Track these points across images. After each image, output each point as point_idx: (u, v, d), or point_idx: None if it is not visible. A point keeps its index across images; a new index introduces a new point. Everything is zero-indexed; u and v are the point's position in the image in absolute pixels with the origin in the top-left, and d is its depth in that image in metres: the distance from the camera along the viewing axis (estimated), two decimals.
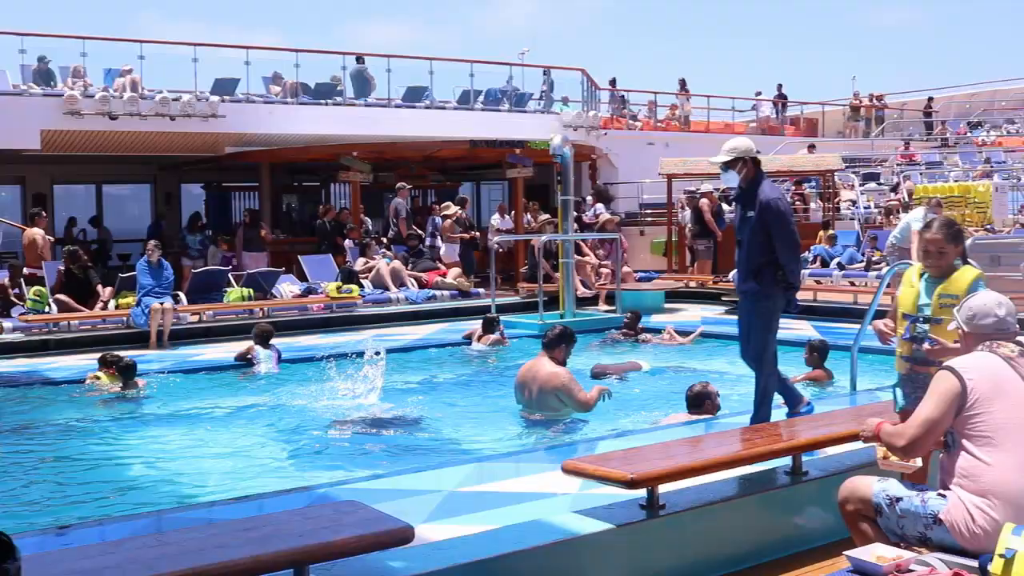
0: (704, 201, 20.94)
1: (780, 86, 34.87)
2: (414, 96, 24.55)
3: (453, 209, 20.85)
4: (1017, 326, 4.35)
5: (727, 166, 7.29)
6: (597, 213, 21.06)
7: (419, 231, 20.86)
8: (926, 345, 5.09)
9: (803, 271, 6.12)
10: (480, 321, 14.21)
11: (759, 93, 35.36)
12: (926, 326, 5.14)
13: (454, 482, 6.23)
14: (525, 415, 9.29)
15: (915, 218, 15.96)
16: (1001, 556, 3.23)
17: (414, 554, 4.43)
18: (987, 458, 3.98)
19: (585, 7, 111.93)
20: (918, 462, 4.39)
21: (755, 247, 7.13)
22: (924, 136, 36.91)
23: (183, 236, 21.08)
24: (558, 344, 9.25)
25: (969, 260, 5.33)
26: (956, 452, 4.08)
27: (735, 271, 7.60)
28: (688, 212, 22.06)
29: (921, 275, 5.30)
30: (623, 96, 31.47)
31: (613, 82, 30.93)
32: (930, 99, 38.51)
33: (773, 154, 26.96)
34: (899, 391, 5.32)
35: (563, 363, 9.25)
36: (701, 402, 8.26)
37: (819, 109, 37.45)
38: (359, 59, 24.19)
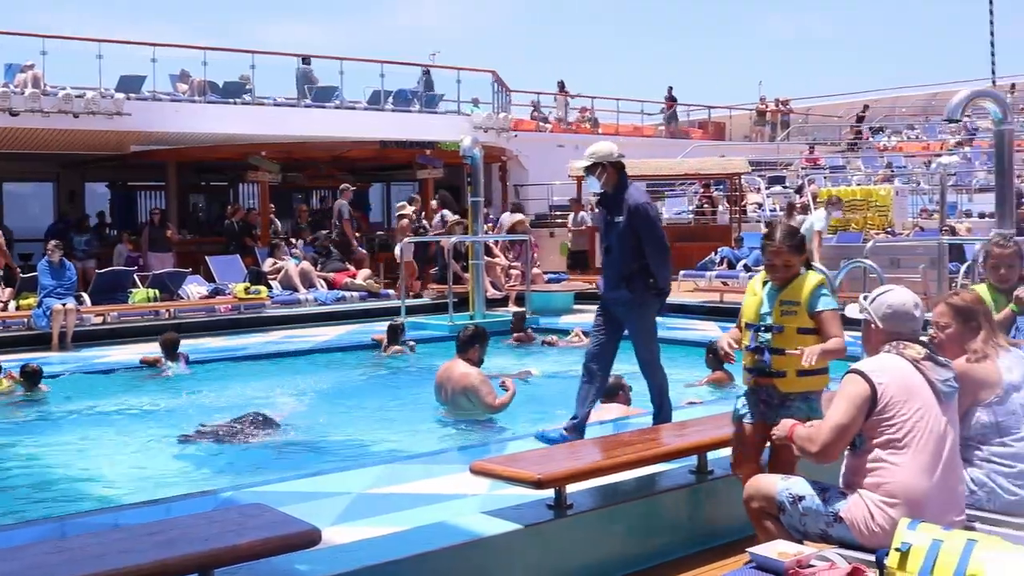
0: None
1: (671, 88, 34.89)
2: (323, 96, 24.38)
3: (409, 209, 20.76)
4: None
5: (588, 172, 7.13)
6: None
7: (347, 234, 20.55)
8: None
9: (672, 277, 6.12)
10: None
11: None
12: (768, 335, 5.05)
13: (362, 484, 6.20)
14: (445, 415, 9.34)
15: (817, 218, 16.28)
16: (897, 550, 3.32)
17: (320, 557, 4.41)
18: (894, 460, 4.04)
19: (497, 9, 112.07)
20: None
21: (626, 253, 6.95)
22: (828, 141, 37.62)
23: (70, 236, 20.25)
24: (471, 345, 9.35)
25: (813, 265, 5.41)
26: (863, 453, 4.13)
27: (600, 278, 7.33)
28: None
29: (764, 283, 5.23)
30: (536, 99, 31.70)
31: (562, 85, 31.21)
32: (866, 107, 39.29)
33: (681, 157, 27.34)
34: (740, 401, 5.24)
35: (478, 363, 9.35)
36: (615, 392, 8.37)
37: (727, 113, 37.99)
38: (305, 60, 24.07)
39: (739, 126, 37.73)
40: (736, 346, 5.34)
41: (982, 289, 6.06)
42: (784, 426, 4.37)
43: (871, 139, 36.54)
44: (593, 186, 7.25)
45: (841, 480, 4.26)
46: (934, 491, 4.02)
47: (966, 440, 4.61)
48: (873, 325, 4.36)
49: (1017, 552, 3.14)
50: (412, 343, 13.65)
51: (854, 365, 4.23)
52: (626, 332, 7.15)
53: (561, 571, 5.08)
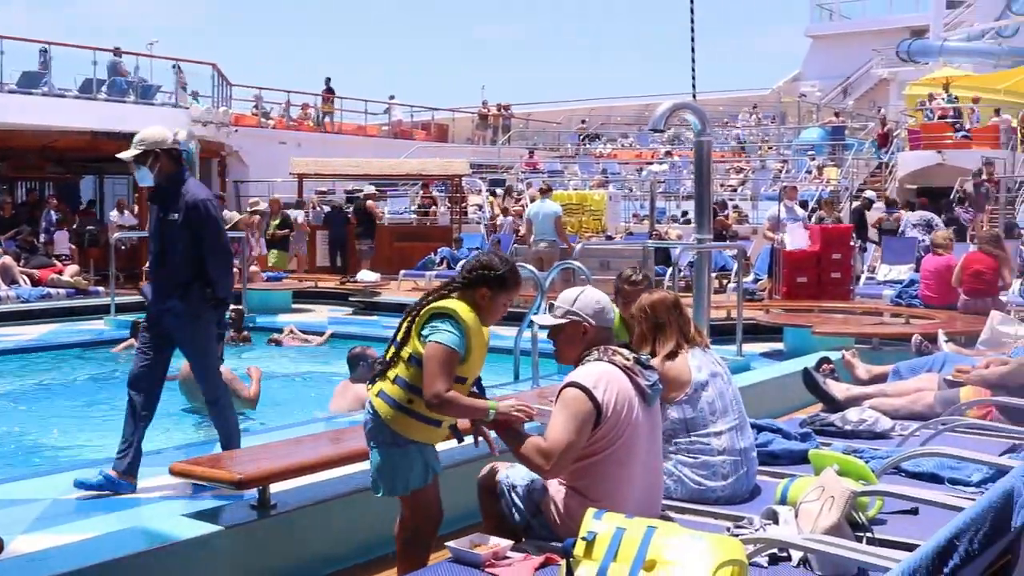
0: (372, 202, 20.94)
1: (328, 80, 33.01)
2: (30, 82, 23.06)
3: (263, 205, 19.97)
4: None
5: (138, 162, 6.24)
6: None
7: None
8: None
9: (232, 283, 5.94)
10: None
11: (392, 97, 35.86)
12: None
13: (56, 490, 5.90)
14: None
15: (554, 210, 16.59)
16: (583, 539, 3.43)
17: (4, 568, 4.17)
18: (601, 465, 4.06)
19: (218, 2, 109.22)
20: None
21: (181, 257, 6.12)
22: (547, 146, 38.71)
23: None
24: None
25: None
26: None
27: (147, 284, 6.59)
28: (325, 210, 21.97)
29: None
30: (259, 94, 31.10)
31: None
32: (584, 122, 40.47)
33: (403, 157, 27.47)
34: None
35: (219, 360, 9.16)
36: (356, 364, 8.58)
37: (450, 116, 38.46)
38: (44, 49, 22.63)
39: (462, 129, 38.28)
40: None
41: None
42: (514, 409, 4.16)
43: (587, 146, 37.82)
44: (145, 179, 6.30)
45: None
46: (636, 494, 4.12)
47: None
48: (585, 324, 4.21)
49: (691, 536, 3.32)
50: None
51: (572, 378, 4.09)
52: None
53: (266, 572, 4.99)
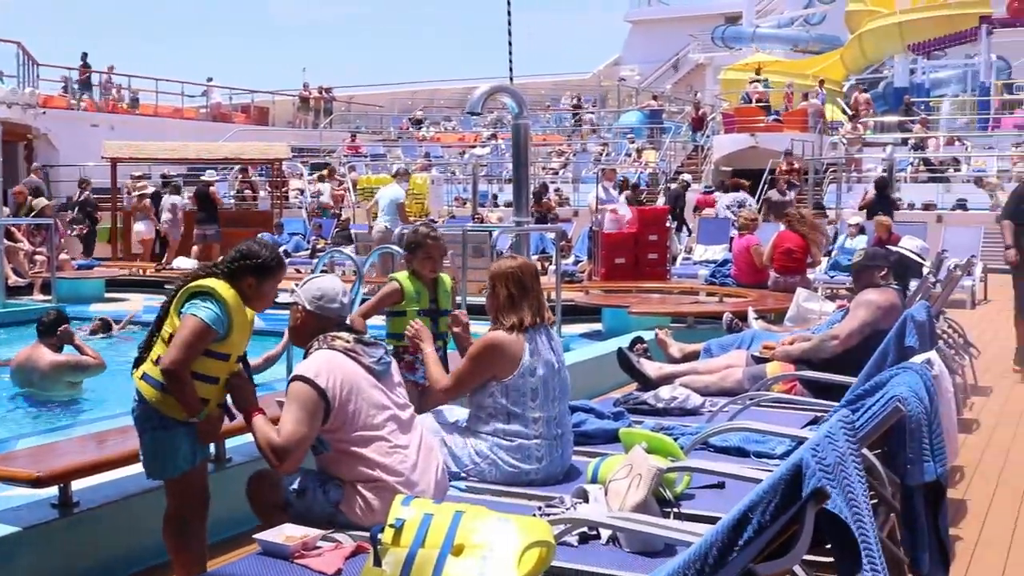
0: (215, 188, 20.37)
1: (85, 55, 31.28)
2: None
3: (150, 188, 19.05)
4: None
5: None
6: None
7: None
8: None
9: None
10: None
11: (211, 79, 35.01)
12: None
13: None
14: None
15: (397, 195, 16.23)
16: (391, 526, 3.39)
17: None
18: (366, 451, 4.08)
19: None
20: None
21: None
22: (370, 129, 38.42)
23: None
24: (55, 328, 9.33)
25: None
26: (335, 453, 4.14)
27: None
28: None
29: None
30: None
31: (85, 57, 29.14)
32: (410, 104, 40.11)
33: (222, 141, 26.85)
34: None
35: (60, 349, 9.37)
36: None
37: (270, 99, 37.79)
38: None
39: (283, 112, 37.66)
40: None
41: (405, 278, 6.02)
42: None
43: (410, 129, 37.68)
44: None
45: (325, 472, 4.24)
46: (416, 466, 4.16)
47: (477, 412, 4.82)
48: (301, 308, 4.30)
49: (498, 519, 3.31)
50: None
51: (295, 371, 4.15)
52: None
53: (67, 572, 4.80)
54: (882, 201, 18.16)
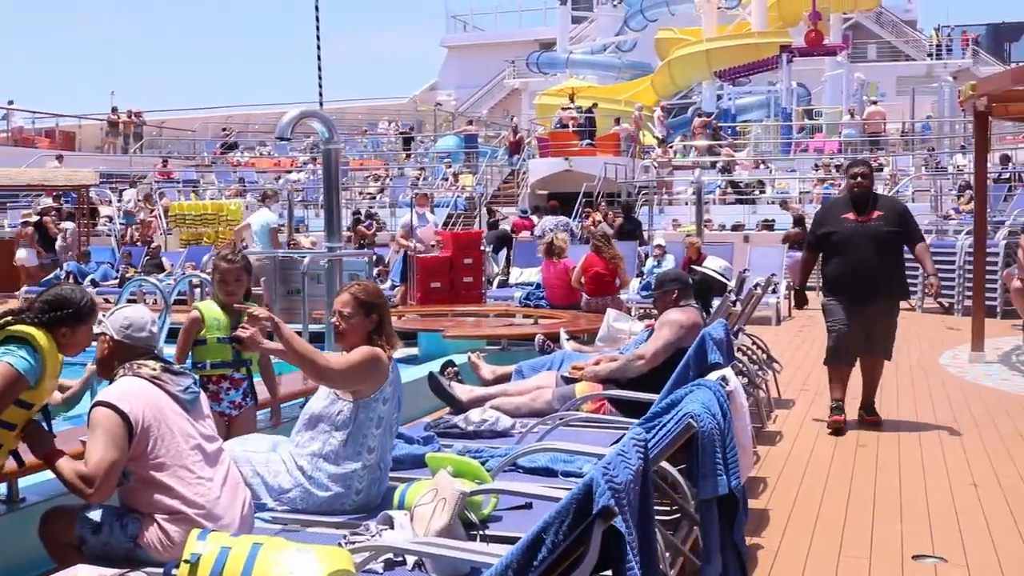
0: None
1: None
2: None
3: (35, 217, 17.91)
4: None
5: None
6: None
7: None
8: None
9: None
10: None
11: (11, 102, 33.66)
12: None
13: None
14: None
15: (269, 220, 15.47)
16: (187, 561, 3.31)
17: None
18: (168, 480, 3.99)
19: None
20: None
21: None
22: (182, 155, 37.55)
23: None
24: None
25: None
26: (136, 482, 4.03)
27: None
28: None
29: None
30: None
31: None
32: (224, 130, 39.23)
33: (25, 167, 25.83)
34: None
35: None
36: None
37: (76, 123, 36.58)
38: None
39: (90, 137, 36.50)
40: None
41: (207, 306, 5.93)
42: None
43: (225, 154, 36.98)
44: None
45: (124, 505, 4.12)
46: (220, 499, 4.06)
47: (313, 424, 4.68)
48: (108, 338, 4.24)
49: (297, 550, 3.28)
50: None
51: (98, 397, 4.05)
52: None
53: (13, 566, 4.86)
54: (630, 222, 19.88)
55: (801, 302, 8.57)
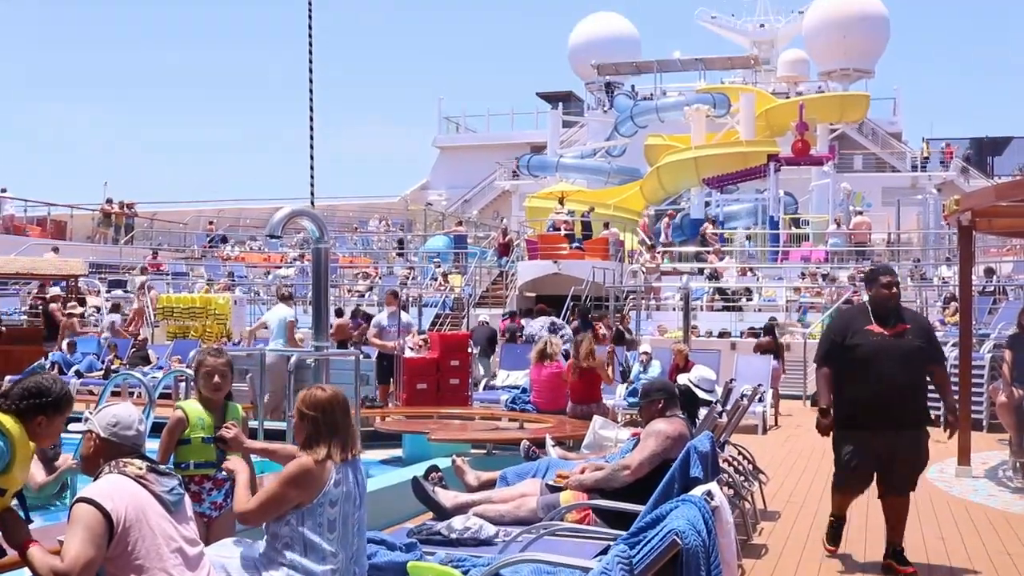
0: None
1: None
2: None
3: None
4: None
5: None
6: None
7: None
8: None
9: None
10: None
11: (4, 190, 33.80)
12: None
13: None
14: None
15: (288, 315, 15.37)
16: None
17: None
18: None
19: None
20: None
21: None
22: (172, 247, 37.68)
23: None
24: None
25: None
26: None
27: None
28: None
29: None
30: None
31: None
32: (212, 223, 39.44)
33: (15, 255, 25.87)
34: None
35: None
36: None
37: (68, 212, 36.75)
38: None
39: (81, 226, 36.64)
40: None
41: (190, 405, 5.86)
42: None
43: (215, 248, 37.12)
44: None
45: None
46: None
47: (274, 543, 4.66)
48: (95, 436, 4.23)
49: None
50: None
51: (81, 493, 4.02)
52: None
53: None
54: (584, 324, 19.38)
55: (829, 428, 6.94)
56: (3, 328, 20.23)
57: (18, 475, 4.19)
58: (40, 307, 24.69)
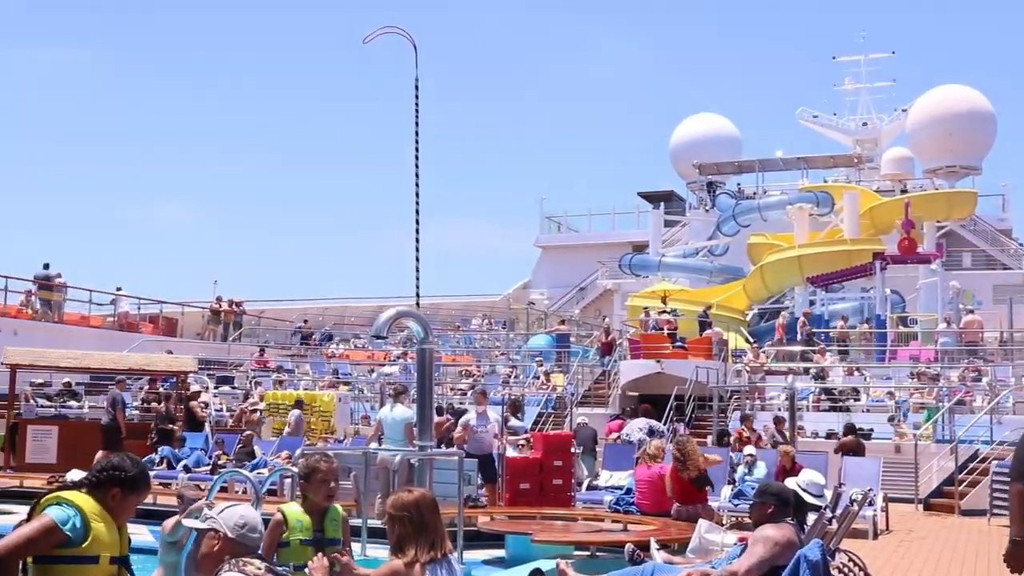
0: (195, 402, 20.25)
1: (47, 265, 31.63)
2: None
3: None
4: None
5: None
6: None
7: None
8: None
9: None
10: None
11: (119, 288, 34.86)
12: None
13: None
14: None
15: (408, 416, 15.41)
16: None
17: None
18: None
19: None
20: None
21: None
22: (278, 344, 38.34)
23: None
24: None
25: None
26: None
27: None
28: None
29: None
30: None
31: None
32: (305, 320, 40.14)
33: (127, 351, 26.55)
34: None
35: None
36: None
37: (179, 309, 37.70)
38: None
39: (191, 323, 37.53)
40: None
41: (289, 508, 5.96)
42: None
43: (319, 345, 37.67)
44: None
45: None
46: None
47: None
48: (220, 535, 4.27)
49: None
50: None
51: None
52: None
53: None
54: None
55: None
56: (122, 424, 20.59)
57: (106, 542, 4.26)
58: (150, 401, 25.24)
